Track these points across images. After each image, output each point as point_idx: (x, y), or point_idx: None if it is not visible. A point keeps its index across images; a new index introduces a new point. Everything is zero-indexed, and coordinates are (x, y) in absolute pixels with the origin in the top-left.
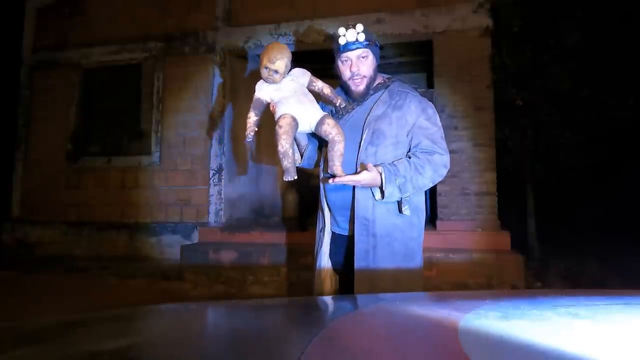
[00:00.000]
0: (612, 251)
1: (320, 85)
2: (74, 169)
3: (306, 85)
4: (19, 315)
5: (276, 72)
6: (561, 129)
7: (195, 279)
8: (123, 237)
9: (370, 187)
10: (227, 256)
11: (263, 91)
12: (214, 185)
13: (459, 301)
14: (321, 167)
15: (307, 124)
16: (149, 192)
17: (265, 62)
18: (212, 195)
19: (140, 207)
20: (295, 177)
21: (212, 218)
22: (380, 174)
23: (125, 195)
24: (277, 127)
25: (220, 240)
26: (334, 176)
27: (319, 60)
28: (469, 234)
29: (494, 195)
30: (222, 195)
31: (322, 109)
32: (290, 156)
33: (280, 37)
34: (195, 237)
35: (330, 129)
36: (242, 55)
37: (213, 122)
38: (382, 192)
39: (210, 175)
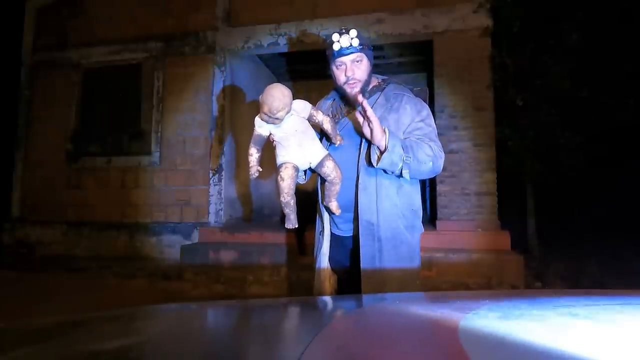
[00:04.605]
0: (612, 251)
1: (320, 118)
2: (74, 169)
3: (306, 118)
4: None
5: (277, 119)
6: (561, 129)
7: (195, 279)
8: (123, 237)
9: (368, 159)
10: (227, 256)
11: (263, 127)
12: (214, 185)
13: (459, 301)
14: (318, 179)
15: (307, 164)
16: (149, 192)
17: (265, 110)
18: (212, 195)
19: (140, 207)
20: (297, 226)
21: (212, 218)
22: (385, 130)
23: (125, 195)
24: (278, 178)
25: (220, 240)
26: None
27: (319, 60)
28: (469, 234)
29: (494, 195)
30: (222, 195)
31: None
32: (292, 206)
33: (280, 37)
34: (195, 237)
35: (330, 172)
36: (242, 56)
37: (213, 122)
38: (381, 156)
39: (210, 175)
